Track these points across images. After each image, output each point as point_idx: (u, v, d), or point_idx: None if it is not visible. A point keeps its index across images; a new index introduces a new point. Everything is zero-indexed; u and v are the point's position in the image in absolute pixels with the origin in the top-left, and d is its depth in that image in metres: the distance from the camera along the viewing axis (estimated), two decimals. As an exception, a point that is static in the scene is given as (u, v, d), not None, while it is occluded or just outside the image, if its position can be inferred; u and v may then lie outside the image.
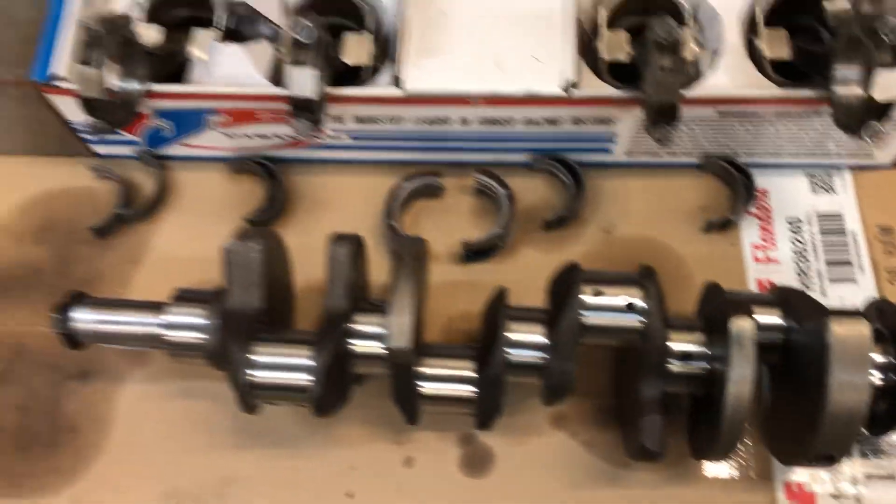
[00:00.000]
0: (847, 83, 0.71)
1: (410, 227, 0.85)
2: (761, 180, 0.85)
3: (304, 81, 0.70)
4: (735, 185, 0.85)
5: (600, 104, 0.78)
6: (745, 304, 0.65)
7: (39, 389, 0.81)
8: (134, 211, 0.87)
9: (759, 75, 0.79)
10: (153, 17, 0.85)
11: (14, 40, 1.00)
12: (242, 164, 0.88)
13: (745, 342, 0.62)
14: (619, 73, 0.80)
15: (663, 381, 0.66)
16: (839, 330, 0.61)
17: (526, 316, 0.69)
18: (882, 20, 0.68)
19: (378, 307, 0.69)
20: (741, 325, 0.62)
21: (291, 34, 0.69)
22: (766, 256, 0.83)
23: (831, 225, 0.84)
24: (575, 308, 0.66)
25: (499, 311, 0.69)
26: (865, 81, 0.68)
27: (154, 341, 0.71)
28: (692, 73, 0.80)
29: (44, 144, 0.92)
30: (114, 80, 0.70)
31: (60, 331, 0.71)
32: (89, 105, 0.70)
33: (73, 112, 0.81)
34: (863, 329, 0.62)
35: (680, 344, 0.67)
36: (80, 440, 0.78)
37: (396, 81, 0.78)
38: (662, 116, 0.69)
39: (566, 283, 0.68)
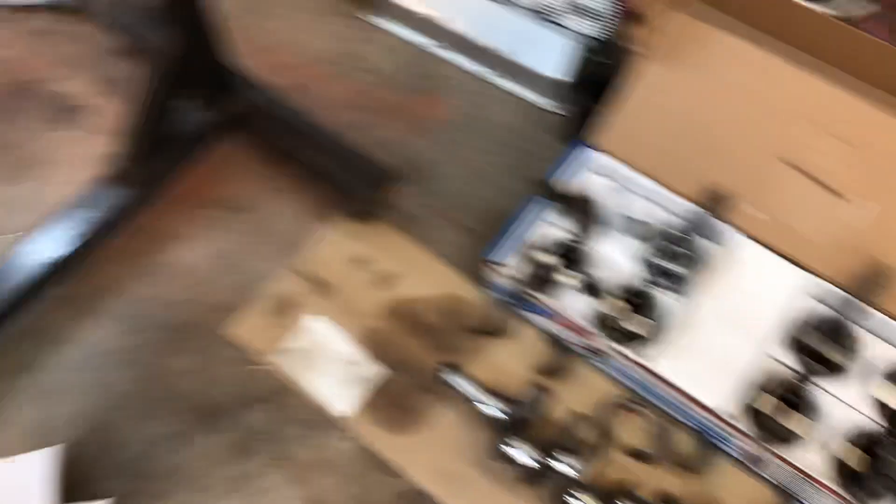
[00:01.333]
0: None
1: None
2: None
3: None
4: None
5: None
6: None
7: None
8: (485, 329, 1.61)
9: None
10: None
11: (478, 205, 1.77)
12: (551, 340, 1.60)
13: None
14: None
15: None
16: None
17: None
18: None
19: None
20: None
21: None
22: None
23: None
24: None
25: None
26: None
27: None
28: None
29: (460, 264, 1.69)
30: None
31: (440, 375, 1.46)
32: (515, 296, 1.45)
33: (490, 277, 1.57)
34: None
35: None
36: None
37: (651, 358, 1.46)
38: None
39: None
